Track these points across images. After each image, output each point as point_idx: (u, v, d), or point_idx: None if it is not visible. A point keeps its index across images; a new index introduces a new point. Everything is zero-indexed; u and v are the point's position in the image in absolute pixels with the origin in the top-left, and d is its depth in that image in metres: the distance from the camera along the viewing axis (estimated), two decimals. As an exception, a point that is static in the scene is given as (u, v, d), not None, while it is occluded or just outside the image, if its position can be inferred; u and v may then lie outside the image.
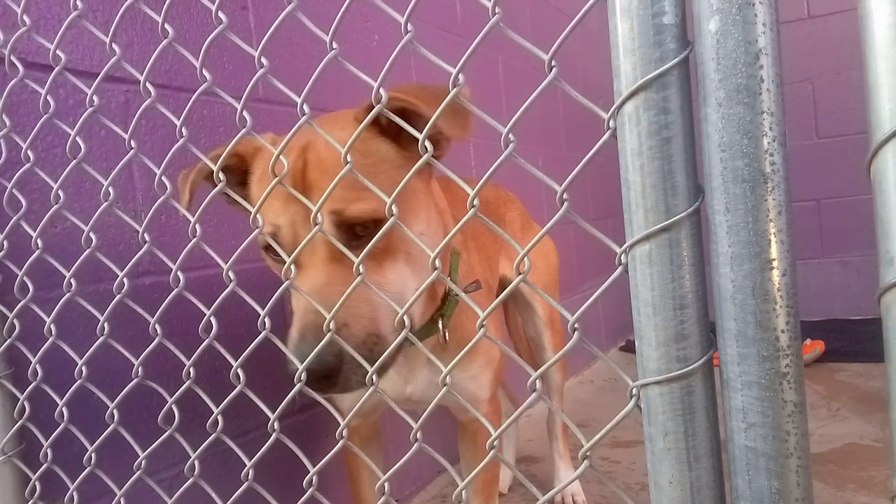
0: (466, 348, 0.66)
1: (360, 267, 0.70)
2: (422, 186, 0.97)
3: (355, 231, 0.87)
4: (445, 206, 1.12)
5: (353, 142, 0.69)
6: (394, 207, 0.66)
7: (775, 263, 0.47)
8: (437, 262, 0.65)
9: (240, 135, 0.74)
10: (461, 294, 0.68)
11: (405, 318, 0.70)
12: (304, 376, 0.77)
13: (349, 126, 0.89)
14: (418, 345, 0.72)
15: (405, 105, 0.78)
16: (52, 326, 0.98)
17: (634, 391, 0.54)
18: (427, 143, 0.63)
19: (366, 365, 0.74)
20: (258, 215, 0.79)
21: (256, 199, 0.93)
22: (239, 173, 1.00)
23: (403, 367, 1.13)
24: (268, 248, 0.94)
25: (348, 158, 0.68)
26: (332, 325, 0.74)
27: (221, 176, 0.78)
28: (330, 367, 0.79)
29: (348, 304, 0.80)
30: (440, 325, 1.08)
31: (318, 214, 0.72)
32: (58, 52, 0.88)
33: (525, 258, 0.59)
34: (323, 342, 0.75)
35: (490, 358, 1.21)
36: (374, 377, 0.73)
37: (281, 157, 0.74)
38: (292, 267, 0.77)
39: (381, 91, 0.65)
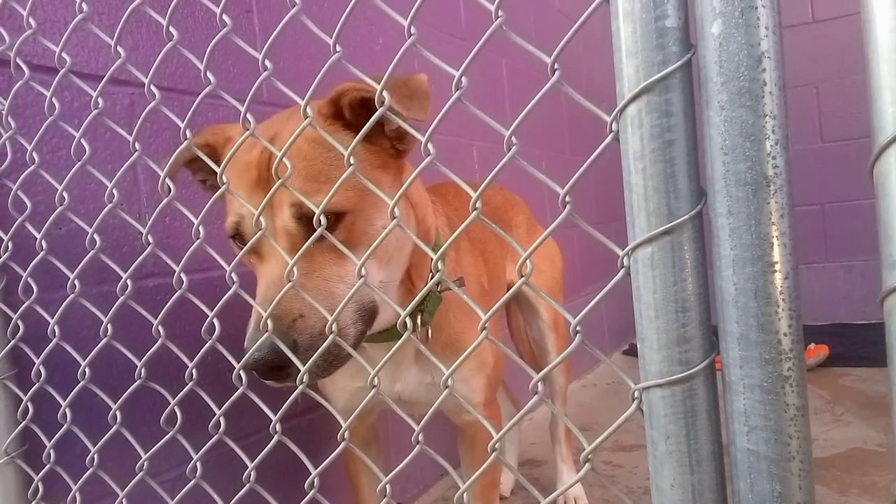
0: (468, 352, 0.66)
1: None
2: (387, 180, 0.96)
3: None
4: (423, 200, 1.12)
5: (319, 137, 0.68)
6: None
7: (778, 266, 0.47)
8: (440, 264, 0.65)
9: (245, 136, 0.74)
10: (463, 296, 0.67)
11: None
12: (246, 361, 0.79)
13: (315, 119, 0.90)
14: (420, 347, 0.72)
15: (363, 93, 0.79)
16: (56, 328, 0.99)
17: (636, 394, 0.54)
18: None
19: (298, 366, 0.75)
20: (231, 203, 0.79)
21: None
22: (213, 159, 1.00)
23: (391, 364, 1.13)
24: (234, 237, 0.95)
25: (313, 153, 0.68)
26: (279, 313, 0.76)
27: (225, 179, 0.78)
28: (281, 358, 0.79)
29: (306, 295, 0.81)
30: (419, 322, 1.07)
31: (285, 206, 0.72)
32: (63, 54, 0.89)
33: (528, 261, 0.59)
34: (262, 339, 0.77)
35: (481, 362, 1.20)
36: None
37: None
38: (248, 257, 0.78)
39: (385, 94, 0.65)
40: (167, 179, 0.82)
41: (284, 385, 0.83)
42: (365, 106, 0.86)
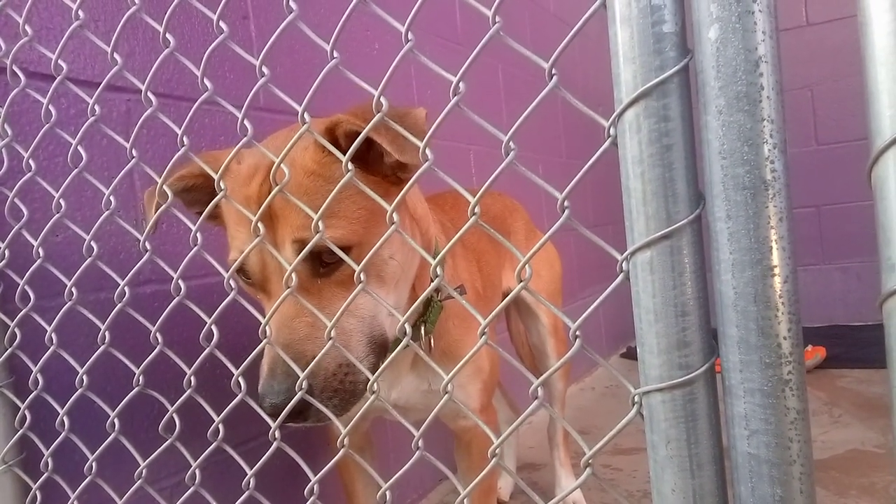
0: (467, 357, 0.66)
1: (362, 275, 0.70)
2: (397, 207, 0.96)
3: (322, 258, 0.86)
4: (424, 213, 1.12)
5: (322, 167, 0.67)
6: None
7: (777, 270, 0.47)
8: (439, 271, 0.65)
9: (241, 143, 0.74)
10: (464, 303, 0.67)
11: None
12: (265, 408, 0.80)
13: (311, 146, 0.87)
14: (422, 354, 0.72)
15: (356, 128, 0.76)
16: (54, 335, 0.98)
17: (636, 398, 0.54)
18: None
19: (313, 402, 0.76)
20: (231, 236, 0.79)
21: (224, 218, 0.95)
22: (208, 191, 0.97)
23: (388, 372, 1.13)
24: (240, 271, 0.92)
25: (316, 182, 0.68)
26: (293, 357, 0.76)
27: (223, 184, 0.78)
28: (298, 404, 0.79)
29: (317, 336, 0.80)
30: (422, 332, 1.07)
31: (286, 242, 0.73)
32: (59, 61, 0.89)
33: (526, 266, 0.59)
34: (268, 373, 0.78)
35: (478, 367, 1.20)
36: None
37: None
38: (263, 294, 0.78)
39: (382, 99, 0.64)
40: (165, 186, 0.82)
41: (304, 425, 0.83)
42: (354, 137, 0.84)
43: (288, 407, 0.78)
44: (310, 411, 0.80)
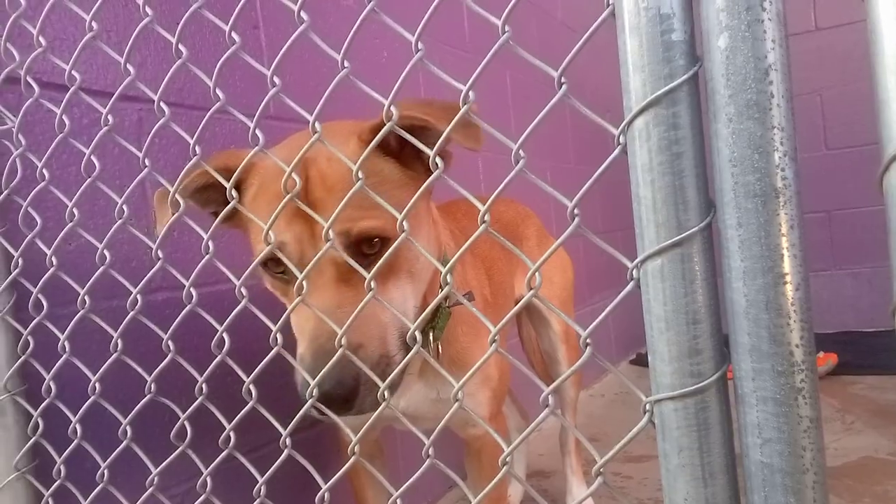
0: (477, 365, 0.66)
1: (373, 283, 0.70)
2: (423, 205, 0.97)
3: (362, 250, 0.86)
4: (437, 219, 1.12)
5: (362, 160, 0.69)
6: (405, 224, 0.66)
7: (788, 278, 0.47)
8: (449, 278, 0.65)
9: (253, 151, 0.75)
10: (473, 310, 0.68)
11: (417, 334, 0.70)
12: (316, 395, 0.77)
13: (351, 142, 0.89)
14: (432, 362, 0.72)
15: (415, 122, 0.77)
16: (66, 343, 0.99)
17: (648, 406, 0.54)
18: (438, 160, 0.63)
19: (380, 383, 0.74)
20: (260, 233, 0.78)
21: (246, 218, 0.92)
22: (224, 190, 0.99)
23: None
24: (266, 266, 0.92)
25: (359, 175, 0.68)
26: (345, 345, 0.74)
27: (234, 193, 0.79)
28: (349, 391, 0.78)
29: (360, 325, 0.80)
30: (430, 338, 1.06)
31: (329, 232, 0.72)
32: (73, 72, 0.90)
33: (536, 273, 0.59)
34: (331, 363, 0.75)
35: (486, 375, 1.20)
36: (385, 394, 0.73)
37: (292, 175, 0.74)
38: (298, 286, 0.77)
39: (393, 108, 0.65)
40: (177, 195, 0.83)
41: (345, 415, 0.82)
42: (409, 130, 0.85)
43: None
44: (355, 400, 0.80)
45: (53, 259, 0.99)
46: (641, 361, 3.55)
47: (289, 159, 0.87)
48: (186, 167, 0.82)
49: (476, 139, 0.76)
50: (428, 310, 0.73)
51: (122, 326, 0.93)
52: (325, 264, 0.85)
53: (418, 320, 0.71)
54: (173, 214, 0.84)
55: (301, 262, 0.87)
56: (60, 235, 0.97)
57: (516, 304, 1.76)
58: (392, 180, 0.90)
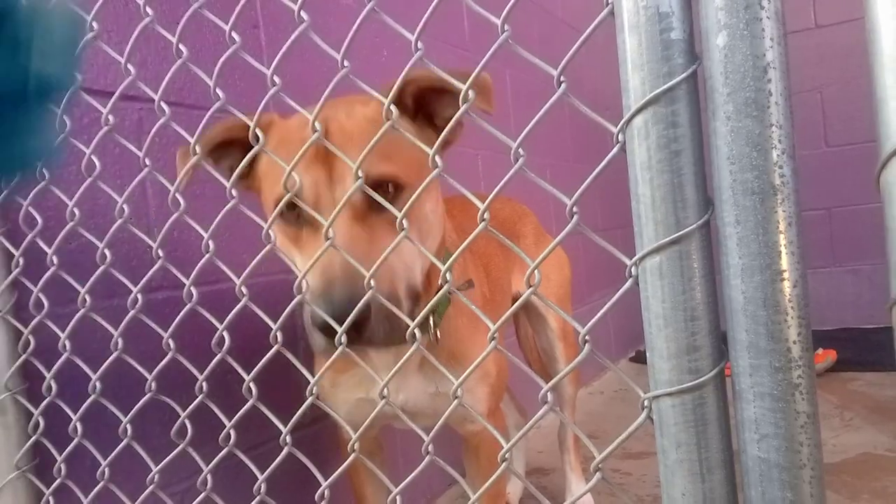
0: (477, 362, 0.66)
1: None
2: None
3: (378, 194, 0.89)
4: (442, 211, 1.13)
5: (392, 98, 0.69)
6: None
7: (786, 275, 0.47)
8: (449, 276, 0.66)
9: (253, 150, 0.75)
10: (473, 307, 0.68)
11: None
12: (327, 315, 0.77)
13: (371, 103, 0.93)
14: (432, 360, 0.72)
15: (435, 84, 0.81)
16: (67, 342, 0.99)
17: (646, 403, 0.54)
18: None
19: (402, 316, 0.74)
20: (274, 186, 0.82)
21: (266, 171, 0.96)
22: (243, 148, 0.96)
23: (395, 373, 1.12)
24: (280, 214, 0.92)
25: (392, 110, 0.68)
26: (361, 282, 0.74)
27: (259, 134, 0.78)
28: (362, 318, 0.78)
29: (372, 261, 0.80)
30: (431, 322, 1.07)
31: (358, 172, 0.72)
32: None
33: (535, 271, 0.59)
34: (342, 285, 0.76)
35: (484, 372, 1.20)
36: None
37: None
38: (315, 227, 0.80)
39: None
40: (177, 194, 0.83)
41: (356, 345, 0.80)
42: (427, 96, 0.89)
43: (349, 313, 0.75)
44: (367, 326, 0.80)
45: (54, 258, 0.99)
46: (640, 359, 3.55)
47: (304, 118, 0.90)
48: (218, 126, 0.84)
49: (489, 102, 0.80)
50: (427, 309, 0.73)
51: (122, 325, 0.93)
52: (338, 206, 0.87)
53: (418, 318, 0.71)
54: (175, 211, 0.84)
55: (316, 206, 0.88)
56: (61, 235, 0.97)
57: (514, 301, 1.76)
58: (408, 140, 0.94)
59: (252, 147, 0.81)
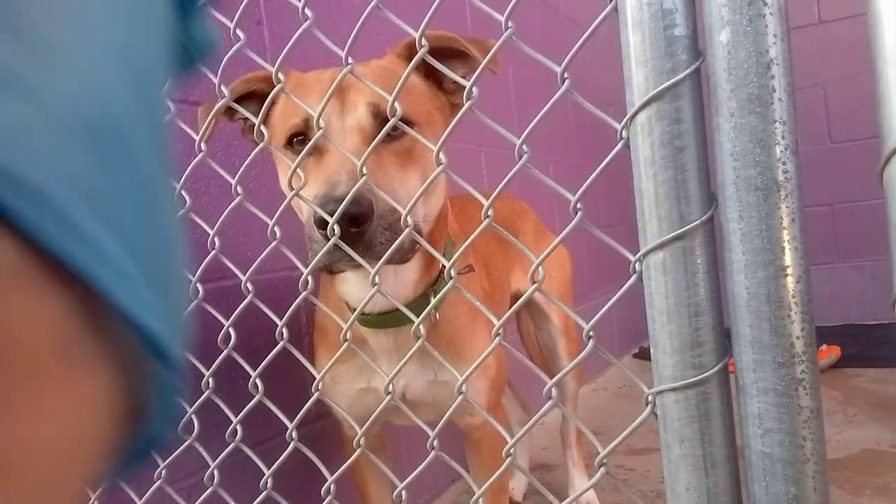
0: (479, 361, 0.67)
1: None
2: (440, 122, 1.01)
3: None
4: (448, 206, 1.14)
5: (422, 30, 0.68)
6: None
7: (789, 270, 0.47)
8: (453, 272, 0.66)
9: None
10: (476, 303, 0.68)
11: (421, 328, 0.71)
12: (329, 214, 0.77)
13: (386, 56, 0.99)
14: (433, 352, 0.72)
15: (446, 42, 0.86)
16: (73, 338, 1.00)
17: (650, 398, 0.54)
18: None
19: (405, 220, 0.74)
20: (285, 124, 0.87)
21: (280, 114, 0.99)
22: (260, 101, 0.99)
23: (393, 358, 1.12)
24: (291, 145, 0.95)
25: (423, 42, 0.68)
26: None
27: (280, 77, 0.79)
28: (364, 213, 0.78)
29: (381, 177, 0.85)
30: (432, 300, 1.06)
31: (395, 104, 0.74)
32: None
33: (540, 267, 0.60)
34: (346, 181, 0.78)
35: (485, 364, 1.19)
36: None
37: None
38: (317, 157, 0.85)
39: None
40: (183, 191, 0.83)
41: (353, 248, 0.79)
42: (438, 54, 0.90)
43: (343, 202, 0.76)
44: (368, 227, 0.80)
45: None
46: (644, 355, 3.55)
47: (328, 76, 0.97)
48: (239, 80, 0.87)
49: (496, 63, 0.82)
50: (431, 305, 0.73)
51: (128, 321, 0.93)
52: (349, 133, 0.90)
53: (422, 316, 0.72)
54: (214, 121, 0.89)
55: (327, 133, 0.88)
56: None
57: (514, 298, 1.75)
58: (420, 90, 0.99)
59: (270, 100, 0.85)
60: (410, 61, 0.81)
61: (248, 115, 0.89)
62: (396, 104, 0.71)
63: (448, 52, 0.90)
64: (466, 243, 0.67)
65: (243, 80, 0.98)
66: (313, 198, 0.81)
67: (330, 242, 0.76)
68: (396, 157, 0.92)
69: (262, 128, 0.80)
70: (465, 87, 0.63)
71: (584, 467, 1.96)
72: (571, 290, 1.92)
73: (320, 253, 0.80)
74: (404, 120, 0.89)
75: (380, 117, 0.90)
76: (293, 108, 0.92)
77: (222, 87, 0.82)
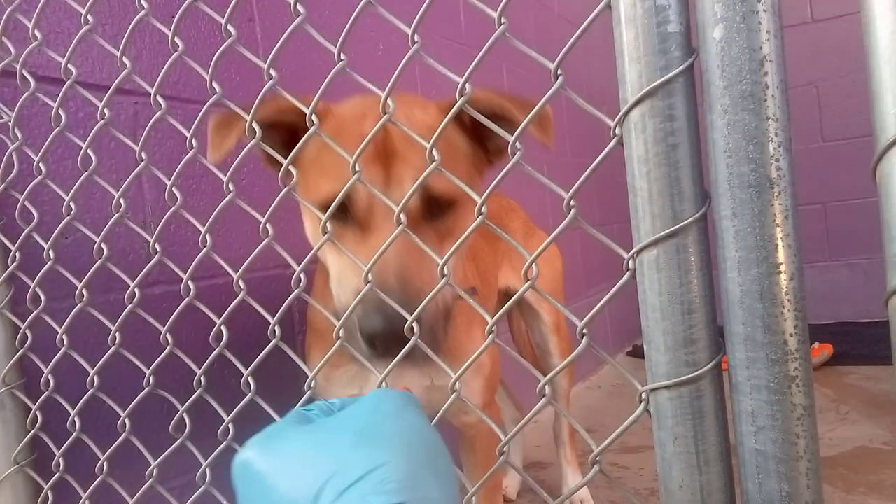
0: (474, 357, 0.66)
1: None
2: (479, 181, 0.99)
3: (430, 209, 0.87)
4: None
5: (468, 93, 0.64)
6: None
7: (783, 268, 0.47)
8: (447, 269, 0.66)
9: (249, 146, 0.75)
10: (469, 300, 0.68)
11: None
12: (377, 327, 0.76)
13: (430, 109, 0.91)
14: (432, 356, 0.72)
15: (496, 108, 0.79)
16: (65, 336, 0.99)
17: (644, 396, 0.54)
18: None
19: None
20: (320, 179, 0.83)
21: (313, 158, 0.89)
22: (289, 131, 0.92)
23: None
24: (324, 208, 0.89)
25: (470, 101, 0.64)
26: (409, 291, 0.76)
27: (315, 119, 0.74)
28: (404, 332, 0.74)
29: (426, 273, 0.80)
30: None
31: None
32: (69, 65, 0.89)
33: (533, 265, 0.59)
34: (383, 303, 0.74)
35: (479, 363, 1.20)
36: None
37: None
38: (356, 230, 0.82)
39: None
40: (174, 189, 0.83)
41: (392, 361, 0.76)
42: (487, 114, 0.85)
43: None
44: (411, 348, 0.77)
45: (51, 253, 0.99)
46: (638, 353, 3.56)
47: (361, 109, 0.90)
48: (267, 104, 0.81)
49: (549, 135, 0.81)
50: (424, 302, 0.73)
51: (119, 320, 0.93)
52: (391, 211, 0.83)
53: (415, 312, 0.71)
54: (248, 141, 0.78)
55: (370, 207, 0.85)
56: (57, 229, 0.97)
57: (504, 295, 1.74)
58: (464, 154, 0.94)
59: (304, 132, 0.75)
60: (457, 118, 0.79)
61: (278, 157, 0.78)
62: (447, 184, 0.69)
63: (497, 114, 0.80)
64: (460, 241, 0.66)
65: (275, 109, 0.87)
66: (355, 292, 0.77)
67: (334, 348, 0.76)
68: (439, 237, 0.88)
69: (292, 168, 0.75)
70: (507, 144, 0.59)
71: (577, 465, 1.97)
72: (562, 289, 1.92)
73: (363, 351, 0.78)
74: (449, 199, 0.87)
75: (426, 200, 0.86)
76: (329, 160, 0.85)
77: (253, 122, 0.76)
